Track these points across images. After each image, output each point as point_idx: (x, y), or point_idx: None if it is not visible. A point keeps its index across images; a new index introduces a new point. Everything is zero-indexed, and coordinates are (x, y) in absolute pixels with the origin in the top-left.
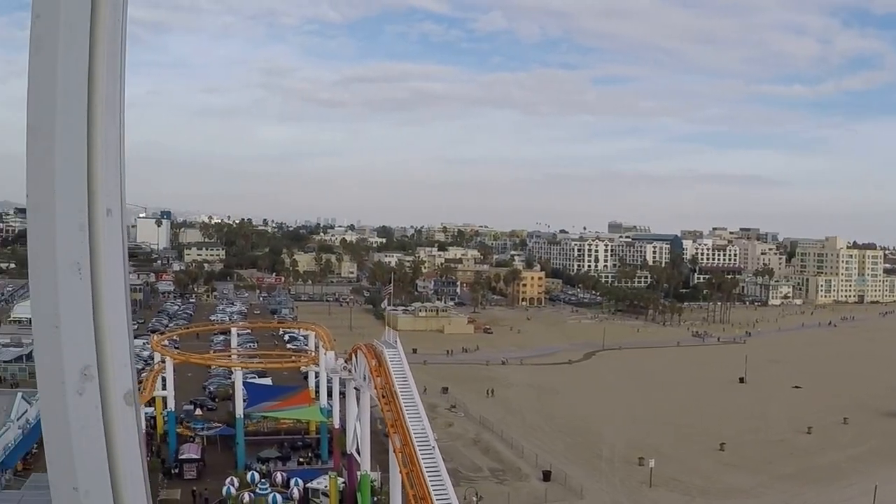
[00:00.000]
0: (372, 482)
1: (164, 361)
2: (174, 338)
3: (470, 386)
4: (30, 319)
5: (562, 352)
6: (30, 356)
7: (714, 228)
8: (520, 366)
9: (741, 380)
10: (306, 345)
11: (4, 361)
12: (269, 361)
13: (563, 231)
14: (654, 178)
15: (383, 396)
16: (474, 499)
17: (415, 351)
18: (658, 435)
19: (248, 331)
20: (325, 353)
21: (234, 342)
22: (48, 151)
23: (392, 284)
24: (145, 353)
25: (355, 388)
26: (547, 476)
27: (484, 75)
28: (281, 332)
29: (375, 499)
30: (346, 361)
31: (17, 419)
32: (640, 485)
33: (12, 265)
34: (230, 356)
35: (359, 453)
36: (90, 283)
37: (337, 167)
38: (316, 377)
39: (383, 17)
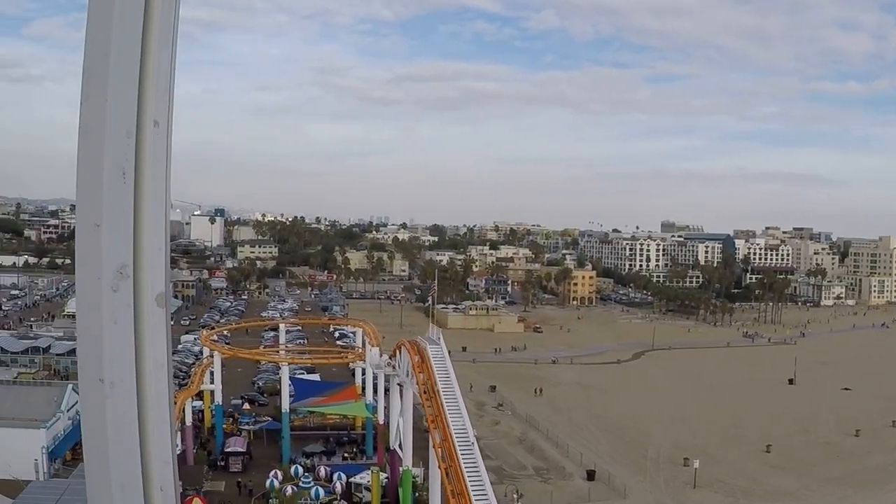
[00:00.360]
0: (414, 478)
1: (212, 356)
2: (224, 333)
3: (518, 384)
4: None
5: (611, 351)
6: None
7: (767, 228)
8: (569, 365)
9: (790, 381)
10: (356, 342)
11: (57, 354)
12: (317, 357)
13: (615, 230)
14: (706, 177)
15: (425, 392)
16: (514, 496)
17: (464, 349)
18: (704, 436)
19: (299, 328)
20: (371, 350)
21: (282, 338)
22: (103, 61)
23: (436, 282)
24: (196, 349)
25: (398, 383)
26: (591, 475)
27: (536, 74)
28: (332, 329)
29: (417, 494)
30: (390, 357)
31: (67, 410)
32: (685, 485)
33: (68, 261)
34: (278, 352)
35: (401, 449)
36: (133, 189)
37: (390, 166)
38: (363, 374)
39: (436, 15)
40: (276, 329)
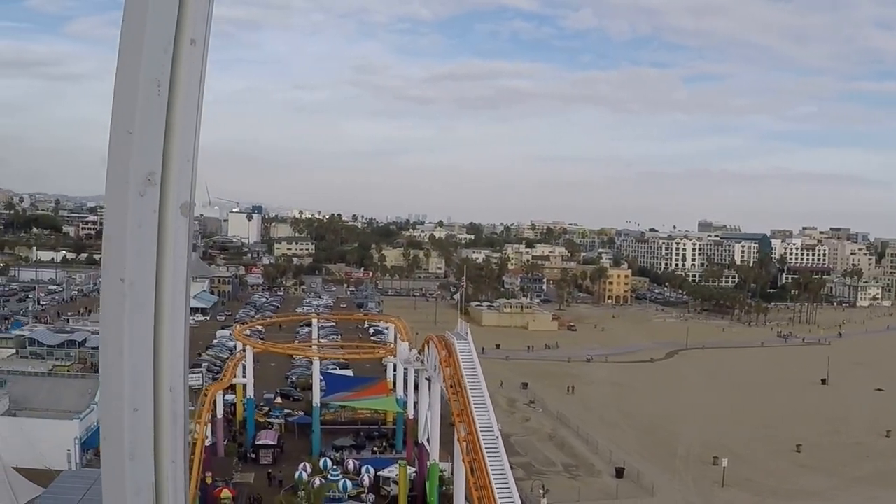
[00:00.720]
0: (441, 472)
1: (244, 350)
2: (258, 328)
3: (550, 382)
4: None
5: (644, 350)
6: None
7: (804, 228)
8: (602, 363)
9: (823, 381)
10: (389, 338)
11: (92, 348)
12: (349, 352)
13: (652, 230)
14: (744, 177)
15: (451, 386)
16: (540, 491)
17: (498, 346)
18: (734, 435)
19: (334, 324)
20: (401, 344)
21: (314, 333)
22: None
23: (465, 277)
24: (230, 344)
25: (426, 378)
26: (620, 473)
27: (574, 73)
28: (366, 326)
29: (444, 488)
30: (419, 352)
31: None
32: (713, 484)
33: None
34: (310, 347)
35: (429, 443)
36: (166, 101)
37: (427, 164)
38: (394, 369)
39: (474, 14)
40: (309, 325)
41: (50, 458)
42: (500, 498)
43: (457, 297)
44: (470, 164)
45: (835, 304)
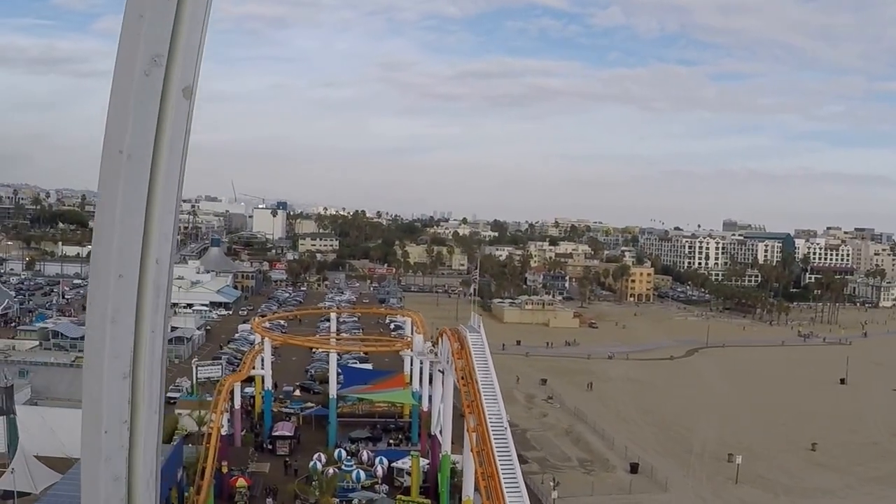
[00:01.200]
0: (453, 463)
1: (263, 342)
2: (281, 323)
3: (569, 378)
4: None
5: (664, 348)
6: None
7: (828, 228)
8: (622, 360)
9: (842, 381)
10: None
11: None
12: (366, 345)
13: (677, 228)
14: (771, 177)
15: (462, 378)
16: (551, 484)
17: (518, 343)
18: (750, 433)
19: (356, 319)
20: (416, 337)
21: (333, 326)
22: None
23: (478, 270)
24: (252, 338)
25: (440, 370)
26: (634, 468)
27: (601, 71)
28: (387, 321)
29: (455, 479)
30: (433, 345)
31: None
32: (727, 481)
33: None
34: (329, 340)
35: (441, 435)
36: None
37: (453, 161)
38: (412, 363)
39: (502, 12)
40: (328, 319)
41: (70, 447)
42: (506, 488)
43: (472, 288)
44: (496, 161)
45: (857, 304)
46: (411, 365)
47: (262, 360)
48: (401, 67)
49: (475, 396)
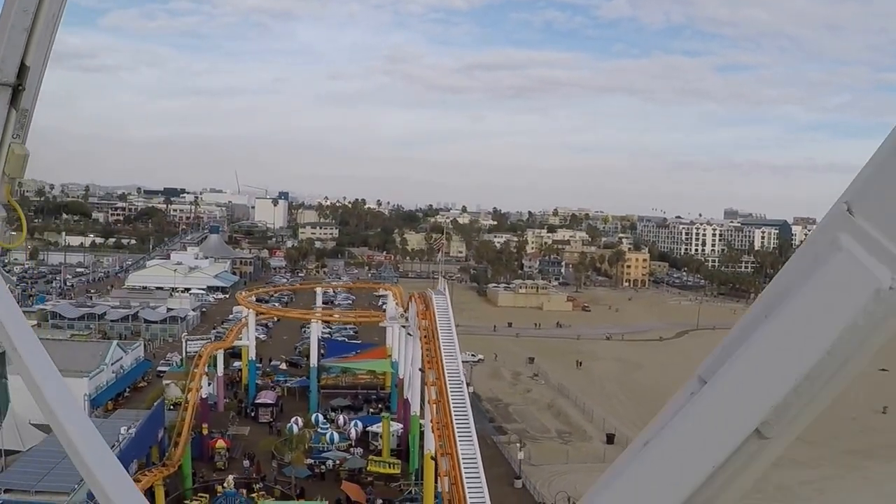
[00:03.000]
0: (422, 425)
1: (247, 315)
2: (277, 306)
3: (558, 358)
4: (142, 287)
5: (655, 330)
6: (136, 316)
7: None
8: (612, 341)
9: None
10: None
11: (112, 321)
12: (345, 316)
13: (678, 217)
14: (774, 168)
15: (425, 337)
16: (517, 445)
17: (510, 325)
18: None
19: (351, 300)
20: (389, 304)
21: (318, 301)
22: None
23: (444, 235)
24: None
25: (408, 333)
26: (610, 439)
27: (606, 62)
28: (379, 303)
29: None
30: (404, 310)
31: (112, 364)
32: None
33: (133, 241)
34: (311, 312)
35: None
36: None
37: (457, 153)
38: (393, 336)
39: (508, 4)
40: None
41: None
42: (459, 435)
43: (438, 256)
44: (500, 153)
45: None
46: (393, 339)
47: (248, 333)
48: (406, 60)
49: (436, 353)
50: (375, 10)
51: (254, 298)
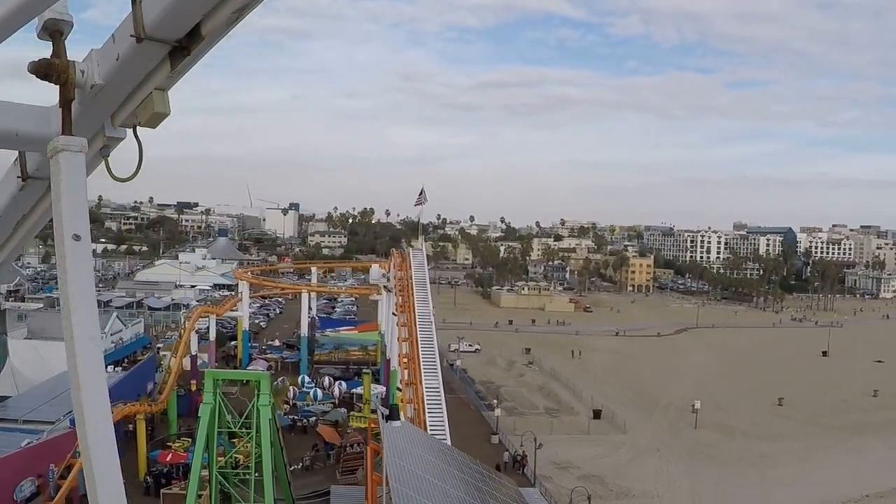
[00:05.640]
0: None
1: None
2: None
3: (555, 350)
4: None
5: (655, 328)
6: (140, 304)
7: (833, 226)
8: (611, 336)
9: (824, 353)
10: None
11: (117, 307)
12: (338, 290)
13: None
14: (785, 183)
15: (400, 287)
16: (495, 402)
17: (510, 322)
18: (722, 393)
19: (353, 300)
20: (373, 268)
21: (314, 279)
22: None
23: (422, 194)
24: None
25: (387, 288)
26: (597, 414)
27: (619, 79)
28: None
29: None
30: (386, 270)
31: (111, 335)
32: (687, 426)
33: (144, 248)
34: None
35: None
36: None
37: (469, 171)
38: (383, 311)
39: (521, 22)
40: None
41: (57, 371)
42: (424, 368)
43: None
44: (512, 170)
45: (857, 295)
46: (381, 314)
47: (242, 305)
48: (421, 78)
49: (409, 298)
50: (391, 28)
51: (249, 274)
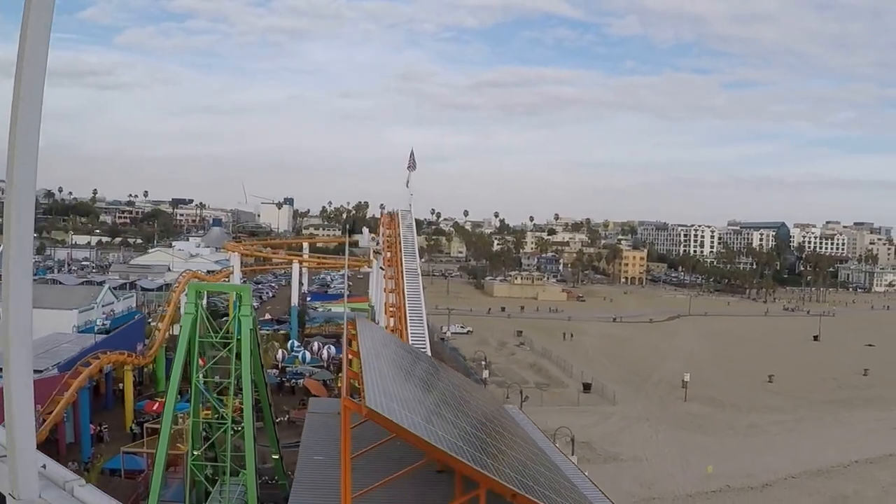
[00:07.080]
0: None
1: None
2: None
3: (547, 333)
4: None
5: (647, 315)
6: (133, 285)
7: (827, 222)
8: (603, 322)
9: (815, 338)
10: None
11: (113, 288)
12: (330, 264)
13: (681, 226)
14: (782, 183)
15: (388, 244)
16: (483, 363)
17: (503, 309)
18: (713, 372)
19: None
20: (363, 234)
21: (305, 249)
22: None
23: (412, 157)
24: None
25: (376, 251)
26: (587, 387)
27: (616, 79)
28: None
29: None
30: (374, 234)
31: (104, 306)
32: (676, 399)
33: (138, 240)
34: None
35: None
36: None
37: (466, 170)
38: (374, 285)
39: (519, 22)
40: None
41: (37, 334)
42: (410, 317)
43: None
44: (509, 169)
45: (850, 289)
46: (371, 286)
47: (233, 278)
48: (419, 78)
49: (396, 254)
50: (389, 29)
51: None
